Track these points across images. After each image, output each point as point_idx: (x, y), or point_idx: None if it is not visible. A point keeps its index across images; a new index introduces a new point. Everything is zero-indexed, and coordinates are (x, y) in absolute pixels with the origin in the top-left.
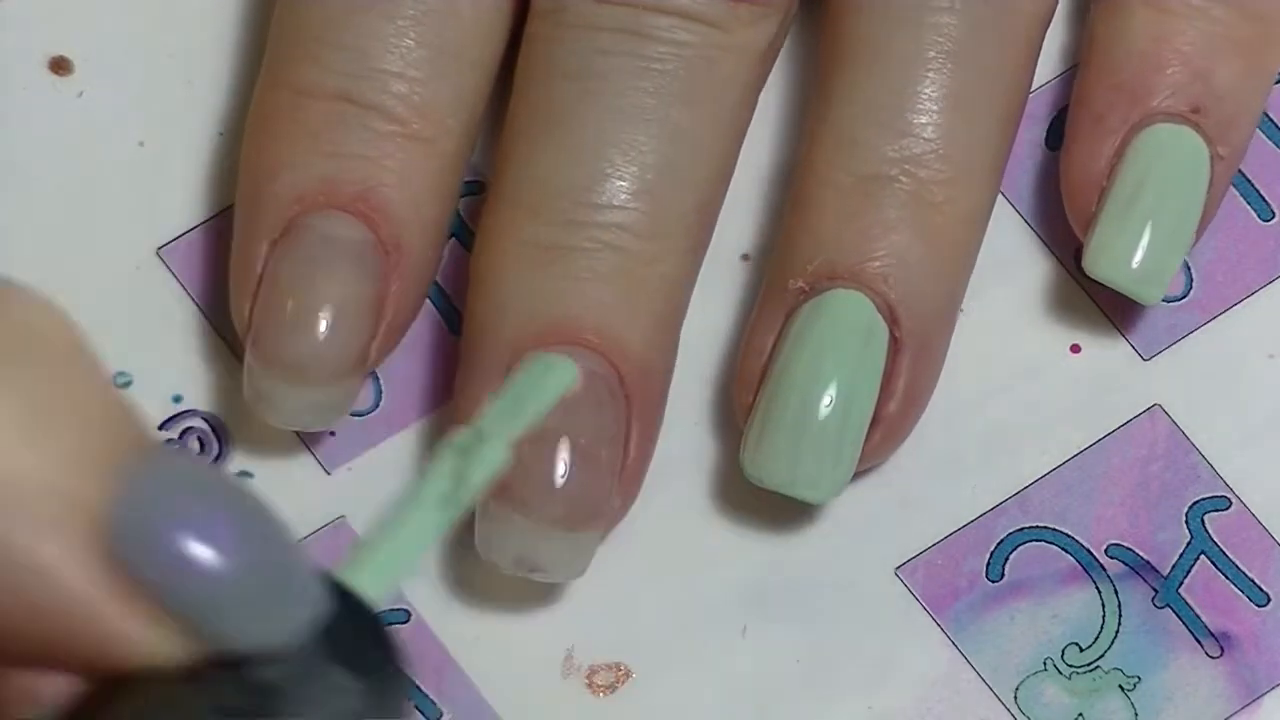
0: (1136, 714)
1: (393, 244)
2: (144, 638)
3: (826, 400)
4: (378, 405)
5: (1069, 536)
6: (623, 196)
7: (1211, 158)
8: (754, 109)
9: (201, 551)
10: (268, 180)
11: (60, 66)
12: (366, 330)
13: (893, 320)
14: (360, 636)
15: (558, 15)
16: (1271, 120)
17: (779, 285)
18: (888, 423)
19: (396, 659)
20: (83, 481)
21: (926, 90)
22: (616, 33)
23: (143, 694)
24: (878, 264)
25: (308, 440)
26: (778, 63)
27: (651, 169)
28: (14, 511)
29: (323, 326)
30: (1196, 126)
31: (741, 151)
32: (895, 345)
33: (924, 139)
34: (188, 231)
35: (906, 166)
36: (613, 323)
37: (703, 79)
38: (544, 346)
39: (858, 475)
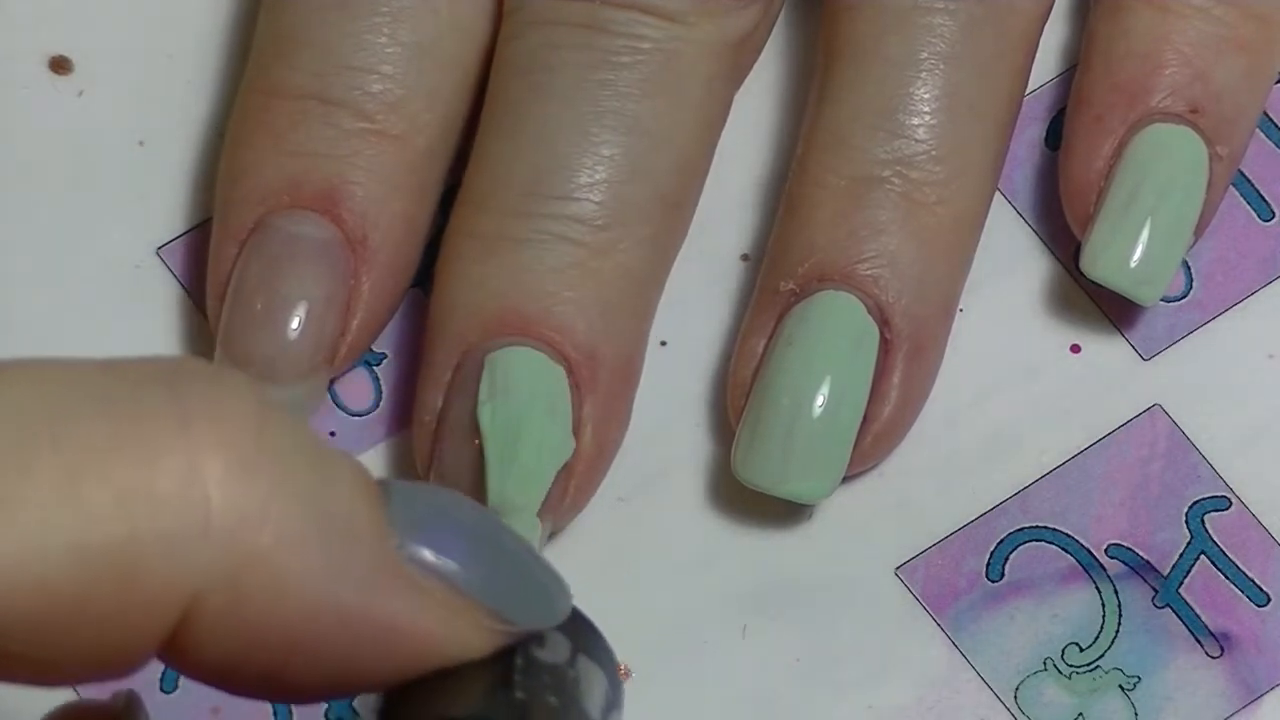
0: (1136, 714)
1: (360, 240)
2: (442, 632)
3: (818, 402)
4: (378, 405)
5: (1069, 536)
6: (574, 188)
7: (1210, 158)
8: (728, 103)
9: (485, 534)
10: (235, 183)
11: (60, 66)
12: (334, 327)
13: (884, 322)
14: (590, 632)
15: (520, 13)
16: (1271, 120)
17: (770, 287)
18: (880, 424)
19: (613, 654)
20: (370, 508)
21: (919, 91)
22: (574, 27)
23: (444, 678)
24: (868, 265)
25: None
26: (776, 63)
27: (605, 161)
28: (342, 552)
29: (290, 325)
30: (1195, 126)
31: (741, 152)
32: (886, 347)
33: (916, 140)
34: (188, 231)
35: (898, 168)
36: (561, 313)
37: (662, 72)
38: (491, 338)
39: (858, 475)
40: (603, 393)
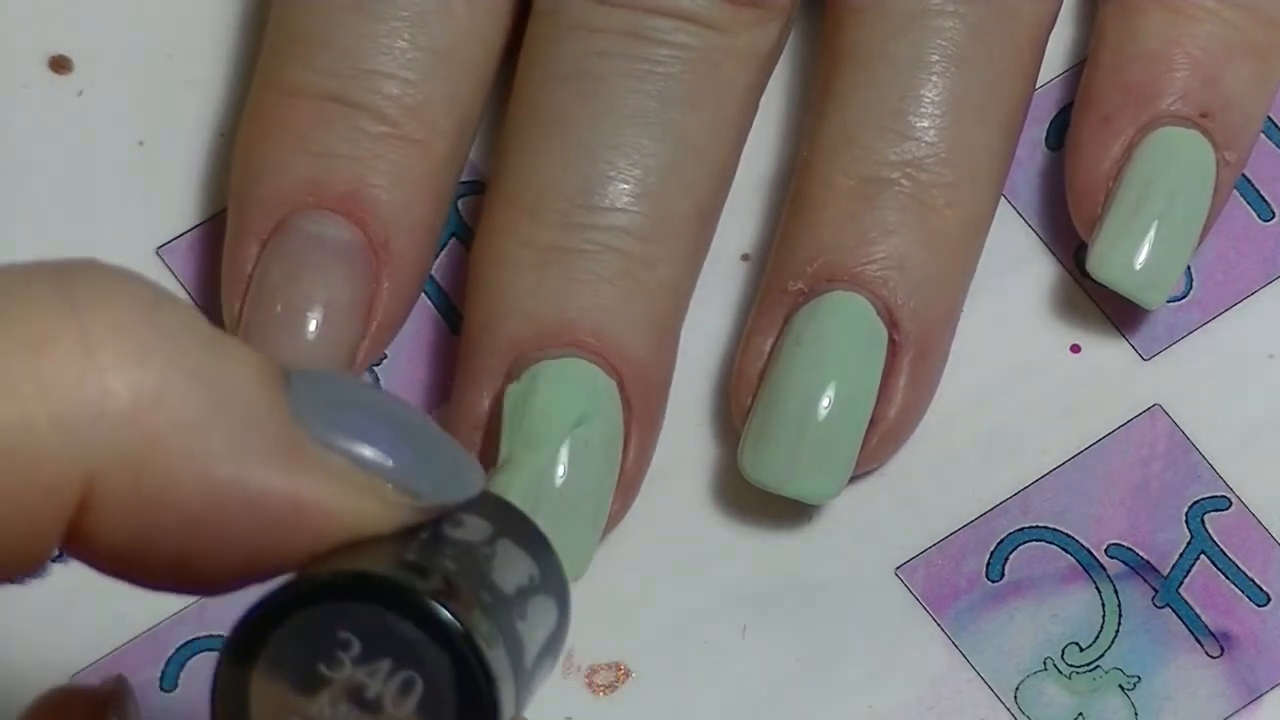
0: (1136, 714)
1: (382, 244)
2: (345, 507)
3: (825, 402)
4: None
5: (1069, 536)
6: (623, 199)
7: (1218, 162)
8: (755, 112)
9: (389, 411)
10: (255, 181)
11: (60, 65)
12: (355, 331)
13: (892, 323)
14: (519, 521)
15: (557, 17)
16: (1271, 120)
17: (778, 286)
18: (886, 426)
19: (552, 547)
20: (268, 388)
21: (928, 94)
22: (616, 35)
23: (351, 548)
24: (877, 267)
25: None
26: (778, 64)
27: (653, 172)
28: (238, 440)
29: (311, 327)
30: (1204, 131)
31: (742, 151)
32: (894, 348)
33: (925, 142)
34: (188, 231)
35: (908, 170)
36: (612, 325)
37: (705, 82)
38: (543, 348)
39: (858, 476)
40: (649, 407)
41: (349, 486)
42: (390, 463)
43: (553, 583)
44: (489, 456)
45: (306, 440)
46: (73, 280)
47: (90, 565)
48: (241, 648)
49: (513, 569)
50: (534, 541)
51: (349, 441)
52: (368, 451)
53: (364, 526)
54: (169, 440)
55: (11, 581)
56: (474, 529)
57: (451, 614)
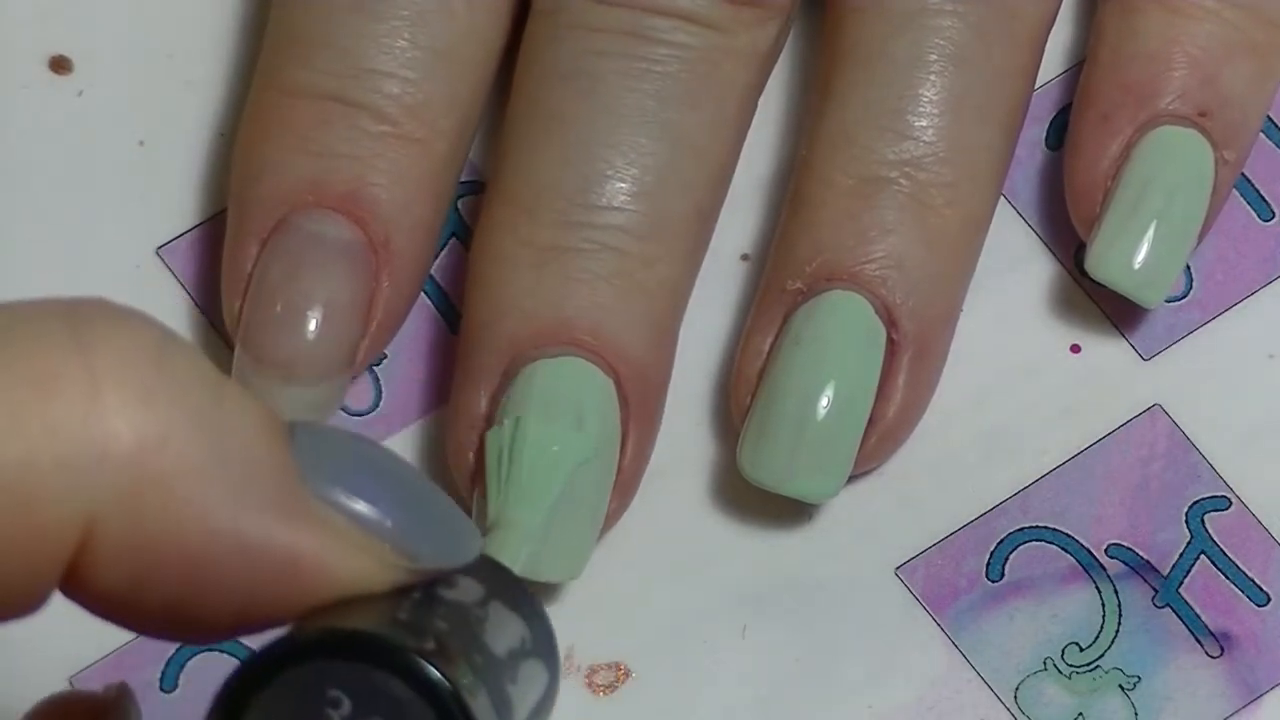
0: (1136, 714)
1: (382, 244)
2: (342, 565)
3: (824, 402)
4: (378, 405)
5: (1069, 536)
6: (621, 198)
7: (1216, 162)
8: (754, 112)
9: (391, 473)
10: (255, 181)
11: (60, 65)
12: (356, 329)
13: (890, 323)
14: (512, 584)
15: (556, 16)
16: (1271, 120)
17: (777, 286)
18: (885, 425)
19: (544, 612)
20: (272, 440)
21: (927, 93)
22: (615, 34)
23: (341, 609)
24: (876, 266)
25: None
26: (778, 63)
27: (651, 171)
28: (239, 491)
29: (311, 325)
30: (1203, 130)
31: (741, 151)
32: (893, 348)
33: (924, 142)
34: (188, 231)
35: (906, 169)
36: (610, 324)
37: (704, 82)
38: (541, 346)
39: (858, 475)
40: (646, 407)
41: (347, 544)
42: (389, 523)
43: (544, 647)
44: (480, 477)
45: (308, 494)
46: (81, 318)
47: (86, 607)
48: (231, 705)
49: (504, 632)
50: (526, 605)
51: (350, 499)
52: (368, 510)
53: (359, 585)
54: (171, 484)
55: (7, 620)
56: (467, 590)
57: (442, 674)
